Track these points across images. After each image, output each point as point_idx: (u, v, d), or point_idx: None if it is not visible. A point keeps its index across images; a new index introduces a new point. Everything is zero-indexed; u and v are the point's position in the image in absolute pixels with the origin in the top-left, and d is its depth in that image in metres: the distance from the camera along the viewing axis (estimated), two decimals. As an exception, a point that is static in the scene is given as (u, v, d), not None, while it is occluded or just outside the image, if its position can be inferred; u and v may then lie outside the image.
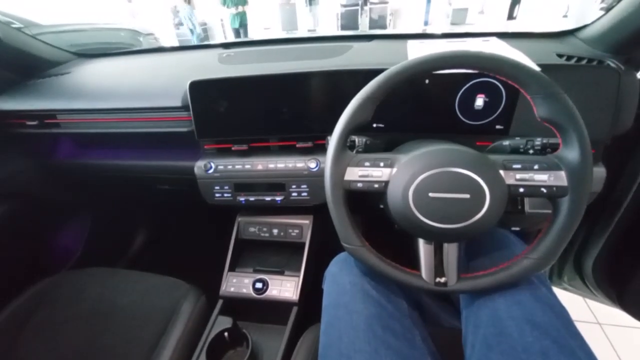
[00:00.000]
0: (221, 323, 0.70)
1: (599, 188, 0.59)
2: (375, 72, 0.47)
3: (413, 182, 0.44)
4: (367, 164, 0.48)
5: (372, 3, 6.44)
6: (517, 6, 6.35)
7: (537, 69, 0.54)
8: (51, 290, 0.78)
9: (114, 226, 1.24)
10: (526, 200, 0.62)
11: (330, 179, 0.48)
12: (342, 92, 0.63)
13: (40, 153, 0.89)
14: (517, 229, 0.79)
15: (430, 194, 0.43)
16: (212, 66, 0.83)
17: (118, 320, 0.71)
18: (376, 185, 0.47)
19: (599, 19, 0.64)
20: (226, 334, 0.68)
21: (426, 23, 7.16)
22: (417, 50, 0.71)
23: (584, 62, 0.59)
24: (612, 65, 0.58)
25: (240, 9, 5.45)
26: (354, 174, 0.47)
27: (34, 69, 0.90)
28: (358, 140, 0.61)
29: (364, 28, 6.39)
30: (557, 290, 1.06)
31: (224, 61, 0.84)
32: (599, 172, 0.59)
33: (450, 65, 0.44)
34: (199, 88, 0.68)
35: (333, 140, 0.48)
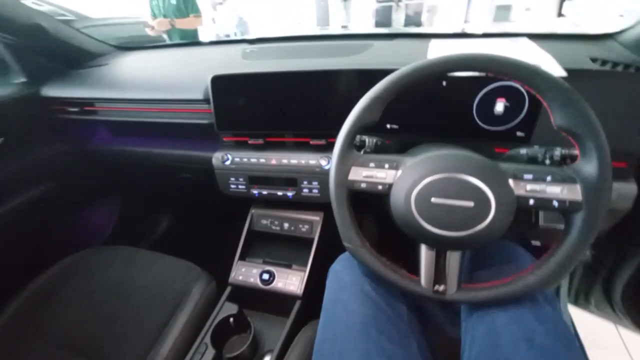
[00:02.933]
0: (228, 309, 0.74)
1: (629, 206, 0.55)
2: (386, 72, 0.46)
3: (416, 186, 0.43)
4: (372, 164, 0.47)
5: (408, -1, 6.27)
6: (566, 2, 5.88)
7: (563, 73, 0.51)
8: (82, 263, 0.86)
9: (141, 210, 1.32)
10: (540, 213, 0.59)
11: (335, 177, 0.48)
12: (355, 91, 0.63)
13: (79, 138, 0.97)
14: (538, 243, 0.75)
15: (433, 199, 0.42)
16: (234, 61, 0.86)
17: (136, 296, 0.77)
18: (380, 187, 0.47)
19: (641, 21, 0.59)
20: (231, 319, 0.71)
21: (466, 21, 6.84)
22: (437, 51, 0.69)
23: (619, 68, 0.55)
24: None
25: (179, 23, 2.52)
26: (358, 173, 0.47)
27: (77, 59, 0.98)
28: (369, 140, 0.60)
29: (398, 25, 6.23)
30: (583, 314, 1.00)
31: (246, 57, 0.87)
32: (630, 188, 0.54)
33: (462, 67, 0.42)
34: (220, 82, 0.71)
35: (339, 140, 0.48)
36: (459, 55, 0.42)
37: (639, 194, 0.55)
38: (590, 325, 1.08)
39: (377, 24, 6.37)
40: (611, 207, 0.55)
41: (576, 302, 0.96)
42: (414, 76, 0.43)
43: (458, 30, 0.85)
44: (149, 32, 2.52)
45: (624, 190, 0.54)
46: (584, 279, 0.91)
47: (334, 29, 6.69)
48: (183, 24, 2.52)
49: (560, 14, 6.04)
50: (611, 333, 1.15)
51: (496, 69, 0.41)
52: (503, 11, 6.58)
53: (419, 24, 6.27)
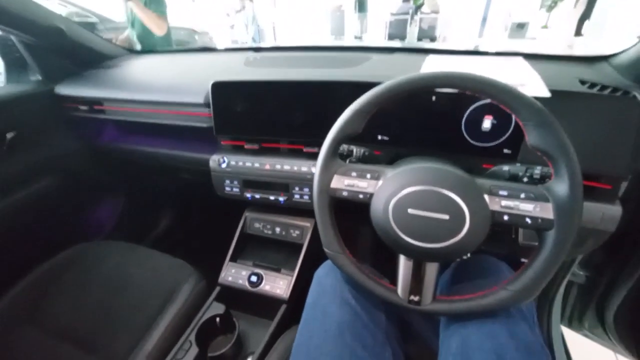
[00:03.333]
0: (215, 308, 0.75)
1: (613, 228, 0.54)
2: (373, 85, 0.48)
3: (394, 197, 0.44)
4: (354, 174, 0.49)
5: (423, 13, 6.30)
6: (585, 22, 5.83)
7: (547, 94, 0.52)
8: (79, 256, 0.89)
9: (142, 208, 1.36)
10: (520, 230, 0.59)
11: (317, 184, 0.50)
12: (344, 102, 0.64)
13: (88, 135, 1.02)
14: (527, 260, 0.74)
15: (410, 210, 0.43)
16: (237, 68, 0.89)
17: (128, 291, 0.79)
18: (361, 196, 0.48)
19: (634, 45, 0.59)
20: (217, 319, 0.73)
21: (481, 36, 6.84)
22: (432, 66, 0.71)
23: (607, 91, 0.55)
24: (638, 97, 0.53)
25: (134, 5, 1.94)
26: (340, 182, 0.49)
27: (91, 61, 1.04)
28: (356, 150, 0.62)
29: (412, 38, 6.25)
30: (577, 336, 0.97)
31: (249, 64, 0.90)
32: (615, 210, 0.54)
33: (442, 85, 0.44)
34: (219, 88, 0.74)
35: (323, 148, 0.50)
36: (439, 73, 0.43)
37: (629, 216, 0.55)
38: (589, 350, 1.05)
39: (390, 37, 6.40)
40: (596, 228, 0.55)
41: (570, 325, 0.94)
42: (393, 92, 0.45)
43: (470, 47, 0.86)
44: (114, 40, 1.87)
45: (608, 212, 0.53)
46: (578, 300, 0.89)
47: (348, 40, 6.76)
48: (142, 12, 1.99)
49: (578, 33, 5.98)
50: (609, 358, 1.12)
51: (474, 88, 0.42)
52: (519, 28, 6.57)
53: (433, 38, 6.27)
